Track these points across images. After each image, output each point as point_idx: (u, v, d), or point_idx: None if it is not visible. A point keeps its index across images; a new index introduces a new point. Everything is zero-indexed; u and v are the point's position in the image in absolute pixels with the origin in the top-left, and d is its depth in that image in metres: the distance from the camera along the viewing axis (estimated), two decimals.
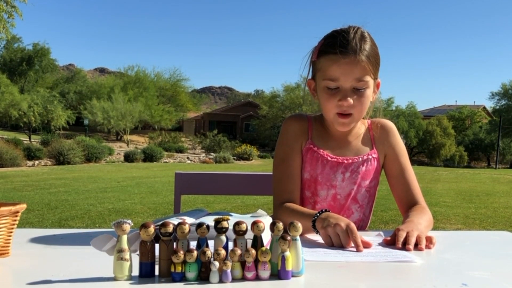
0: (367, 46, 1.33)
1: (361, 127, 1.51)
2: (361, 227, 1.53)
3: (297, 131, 1.49)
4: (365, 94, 1.36)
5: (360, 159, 1.46)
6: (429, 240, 1.18)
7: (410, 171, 1.49)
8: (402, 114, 43.09)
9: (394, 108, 44.21)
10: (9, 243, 1.04)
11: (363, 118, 1.52)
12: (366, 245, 1.12)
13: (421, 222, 1.29)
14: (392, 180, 1.49)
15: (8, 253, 1.04)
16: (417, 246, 1.14)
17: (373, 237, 1.28)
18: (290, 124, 1.51)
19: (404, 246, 1.13)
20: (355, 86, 1.34)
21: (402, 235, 1.16)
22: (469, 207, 8.59)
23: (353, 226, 1.13)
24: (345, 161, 1.45)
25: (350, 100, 1.34)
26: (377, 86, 1.43)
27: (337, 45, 1.32)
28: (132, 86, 42.87)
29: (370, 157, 1.47)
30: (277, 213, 1.41)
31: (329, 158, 1.45)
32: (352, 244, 1.12)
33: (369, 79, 1.35)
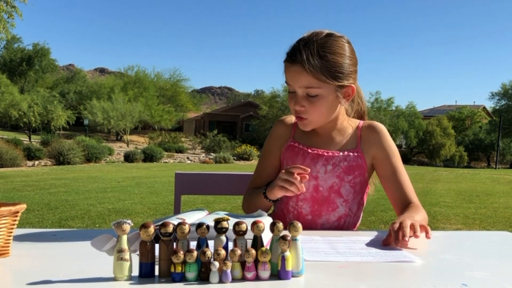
0: (316, 56, 1.34)
1: (348, 126, 1.54)
2: (349, 223, 1.53)
3: (279, 134, 1.59)
4: (317, 101, 1.39)
5: (341, 154, 1.49)
6: (425, 230, 1.19)
7: (403, 171, 1.50)
8: (402, 114, 43.10)
9: (394, 108, 44.23)
10: (9, 243, 1.04)
11: (354, 117, 1.57)
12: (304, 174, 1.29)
13: (414, 215, 1.31)
14: (385, 181, 1.51)
15: (8, 253, 1.04)
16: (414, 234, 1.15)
17: (373, 238, 1.28)
18: (275, 127, 1.62)
19: (400, 242, 1.13)
20: (307, 92, 1.38)
21: (395, 227, 1.17)
22: (469, 207, 8.60)
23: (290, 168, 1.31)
24: (326, 154, 1.49)
25: (300, 107, 1.40)
26: (351, 91, 1.44)
27: (289, 53, 1.39)
28: (132, 86, 42.88)
29: (352, 154, 1.49)
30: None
31: (309, 151, 1.50)
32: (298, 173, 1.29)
33: (320, 85, 1.37)
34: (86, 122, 36.18)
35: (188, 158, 25.21)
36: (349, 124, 1.54)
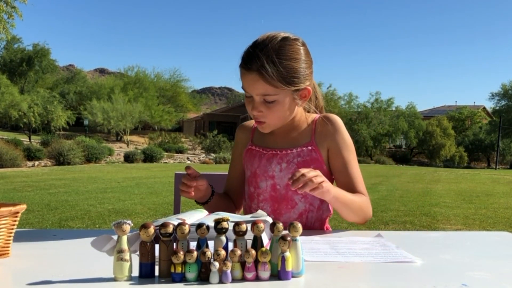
0: (272, 63, 1.34)
1: (304, 121, 1.55)
2: (312, 219, 1.52)
3: (239, 140, 1.65)
4: (275, 106, 1.40)
5: (295, 150, 1.50)
6: (322, 196, 1.27)
7: (355, 165, 1.51)
8: (402, 115, 43.07)
9: (394, 109, 44.21)
10: (9, 243, 1.04)
11: (315, 112, 1.59)
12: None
13: (343, 191, 1.38)
14: (336, 174, 1.51)
15: (8, 253, 1.04)
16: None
17: (373, 238, 1.28)
18: (236, 133, 1.68)
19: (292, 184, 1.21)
20: (264, 98, 1.39)
21: (294, 172, 1.23)
22: (469, 208, 8.59)
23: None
24: (279, 152, 1.51)
25: (257, 112, 1.42)
26: (307, 92, 1.45)
27: (244, 60, 1.38)
28: (132, 87, 42.86)
29: (305, 148, 1.49)
30: None
31: (264, 152, 1.53)
32: None
33: (277, 92, 1.37)
34: (86, 122, 36.17)
35: (188, 158, 25.21)
36: (305, 119, 1.55)
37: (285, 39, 1.38)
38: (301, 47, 1.42)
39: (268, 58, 1.33)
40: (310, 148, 1.49)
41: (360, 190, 1.48)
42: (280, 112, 1.42)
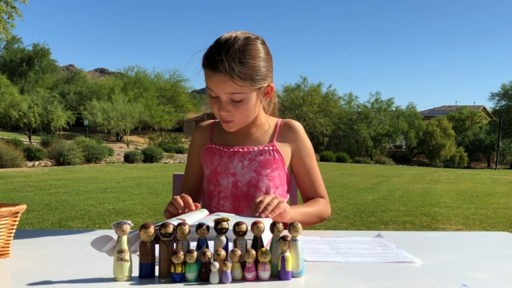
0: (238, 63, 1.37)
1: (266, 123, 1.58)
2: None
3: (197, 140, 1.66)
4: (242, 105, 1.43)
5: (256, 148, 1.52)
6: (281, 217, 1.27)
7: (315, 169, 1.59)
8: (402, 115, 43.08)
9: (394, 109, 44.22)
10: (9, 243, 1.04)
11: (270, 112, 1.62)
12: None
13: (298, 207, 1.45)
14: (299, 178, 1.59)
15: (8, 253, 1.04)
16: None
17: (373, 238, 1.28)
18: (193, 134, 1.70)
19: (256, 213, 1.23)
20: (231, 98, 1.41)
21: (256, 200, 1.26)
22: (469, 208, 8.59)
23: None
24: (241, 150, 1.53)
25: (225, 112, 1.43)
26: (270, 90, 1.50)
27: (210, 62, 1.39)
28: (132, 87, 42.83)
29: (267, 148, 1.53)
30: None
31: (225, 150, 1.55)
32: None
33: (244, 91, 1.40)
34: (86, 122, 36.17)
35: None
36: (267, 121, 1.59)
37: (247, 39, 1.42)
38: (262, 45, 1.46)
39: (234, 59, 1.37)
40: (271, 148, 1.53)
41: (320, 193, 1.58)
42: (247, 111, 1.46)
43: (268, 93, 1.50)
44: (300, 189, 1.61)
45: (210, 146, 1.59)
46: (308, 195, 1.59)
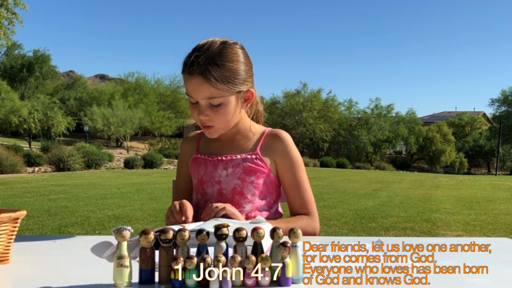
0: (214, 65, 1.37)
1: (251, 131, 1.57)
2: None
3: (184, 151, 1.67)
4: (221, 109, 1.42)
5: (239, 156, 1.52)
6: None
7: (304, 184, 1.54)
8: (402, 121, 43.13)
9: (394, 115, 44.26)
10: (9, 249, 1.04)
11: (252, 118, 1.63)
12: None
13: (273, 222, 1.41)
14: (287, 191, 1.55)
15: (8, 259, 1.04)
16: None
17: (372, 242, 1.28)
18: (181, 145, 1.70)
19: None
20: (210, 102, 1.41)
21: (207, 207, 1.32)
22: (470, 214, 8.58)
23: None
24: (224, 158, 1.53)
25: (204, 116, 1.43)
26: (251, 95, 1.49)
27: (187, 66, 1.39)
28: (132, 93, 42.89)
29: (250, 156, 1.52)
30: None
31: (210, 159, 1.55)
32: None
33: (222, 94, 1.40)
34: (86, 128, 36.18)
35: None
36: (251, 129, 1.57)
37: (224, 43, 1.42)
38: (240, 50, 1.46)
39: (210, 61, 1.37)
40: (254, 156, 1.52)
41: (307, 208, 1.53)
42: (227, 115, 1.45)
43: (249, 99, 1.49)
44: (288, 203, 1.57)
45: (196, 156, 1.59)
46: (294, 211, 1.54)
